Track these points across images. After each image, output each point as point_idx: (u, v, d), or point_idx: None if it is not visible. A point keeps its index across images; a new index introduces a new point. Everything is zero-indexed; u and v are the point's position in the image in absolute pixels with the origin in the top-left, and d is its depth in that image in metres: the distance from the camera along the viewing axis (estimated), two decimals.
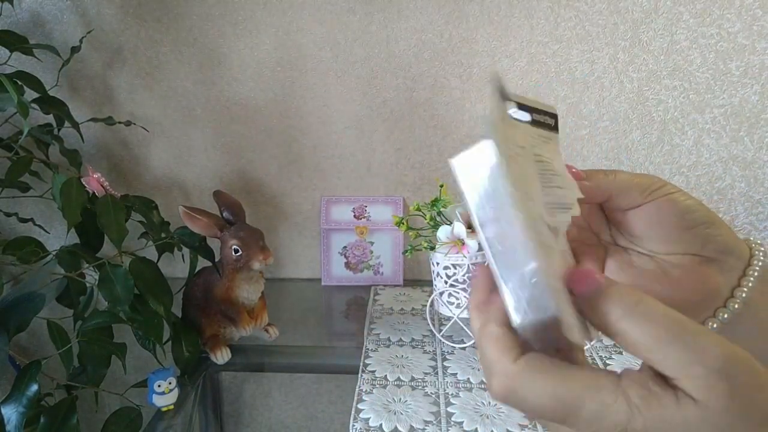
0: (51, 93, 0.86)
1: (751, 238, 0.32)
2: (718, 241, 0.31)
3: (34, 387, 0.61)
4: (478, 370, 0.70)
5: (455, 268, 0.79)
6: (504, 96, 0.27)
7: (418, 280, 1.06)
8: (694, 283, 0.31)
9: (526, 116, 0.29)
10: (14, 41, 0.83)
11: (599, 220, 0.35)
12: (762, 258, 0.31)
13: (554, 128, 0.30)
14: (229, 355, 0.78)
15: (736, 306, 0.30)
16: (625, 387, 0.22)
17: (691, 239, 0.31)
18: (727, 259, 0.31)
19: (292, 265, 1.09)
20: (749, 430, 0.21)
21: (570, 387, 0.23)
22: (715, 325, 0.31)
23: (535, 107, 0.29)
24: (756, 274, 0.30)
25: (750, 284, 0.30)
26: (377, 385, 0.68)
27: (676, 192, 0.31)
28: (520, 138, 0.28)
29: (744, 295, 0.30)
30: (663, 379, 0.22)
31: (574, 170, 0.31)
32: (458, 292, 0.79)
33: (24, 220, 0.94)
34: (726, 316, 0.30)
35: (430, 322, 0.81)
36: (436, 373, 0.70)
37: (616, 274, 0.33)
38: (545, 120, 0.29)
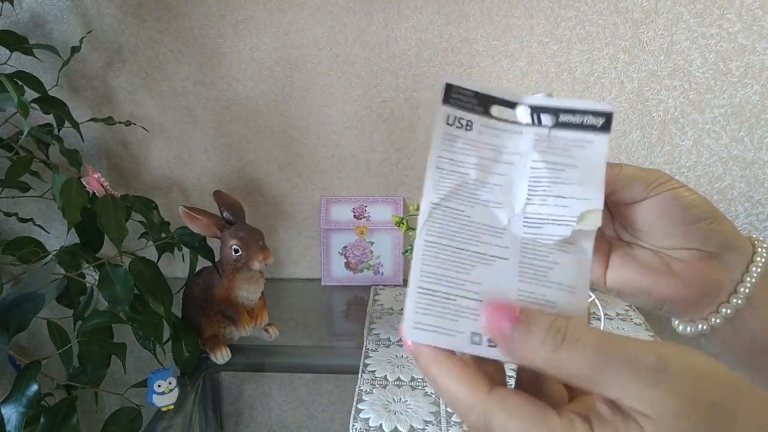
0: (51, 93, 0.86)
1: (754, 236, 0.33)
2: (720, 236, 0.31)
3: (34, 387, 0.61)
4: None
5: None
6: (469, 100, 0.28)
7: None
8: (697, 278, 0.31)
9: (524, 117, 0.28)
10: (14, 41, 0.83)
11: (604, 215, 0.35)
12: (765, 254, 0.31)
13: (601, 129, 0.27)
14: (229, 355, 0.78)
15: (739, 302, 0.30)
16: None
17: (694, 234, 0.31)
18: (729, 254, 0.31)
19: (292, 265, 1.09)
20: (706, 423, 0.21)
21: (546, 427, 0.22)
22: (718, 321, 0.31)
23: (565, 108, 0.28)
24: (758, 270, 0.30)
25: (752, 280, 0.30)
26: (377, 385, 0.68)
27: (679, 187, 0.31)
28: (511, 145, 0.28)
29: (746, 290, 0.30)
30: (621, 411, 0.22)
31: None
32: None
33: (24, 220, 0.94)
34: (728, 311, 0.31)
35: None
36: None
37: (620, 269, 0.33)
38: (585, 121, 0.27)
